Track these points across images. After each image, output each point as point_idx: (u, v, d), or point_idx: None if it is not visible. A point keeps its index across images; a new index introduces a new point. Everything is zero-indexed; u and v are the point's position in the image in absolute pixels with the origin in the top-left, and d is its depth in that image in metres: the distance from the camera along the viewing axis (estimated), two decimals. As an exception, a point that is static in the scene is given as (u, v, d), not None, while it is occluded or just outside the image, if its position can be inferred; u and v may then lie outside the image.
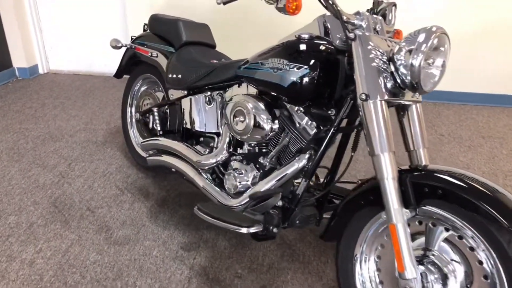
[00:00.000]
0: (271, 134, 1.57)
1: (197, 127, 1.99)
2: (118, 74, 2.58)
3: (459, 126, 3.39)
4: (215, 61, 2.05)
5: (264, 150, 1.72)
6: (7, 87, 4.00)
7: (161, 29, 2.22)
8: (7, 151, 2.73)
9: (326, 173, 1.71)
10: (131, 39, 2.52)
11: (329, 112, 1.50)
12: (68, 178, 2.43)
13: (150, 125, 2.33)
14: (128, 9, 3.94)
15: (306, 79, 1.42)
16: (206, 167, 1.83)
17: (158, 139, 2.10)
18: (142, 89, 2.52)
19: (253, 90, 1.71)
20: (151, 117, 2.33)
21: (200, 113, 1.97)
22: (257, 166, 1.70)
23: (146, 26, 2.51)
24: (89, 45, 4.41)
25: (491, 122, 3.47)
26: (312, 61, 1.42)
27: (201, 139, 2.01)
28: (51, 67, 4.57)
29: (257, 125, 1.57)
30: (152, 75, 2.35)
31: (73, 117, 3.31)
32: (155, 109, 2.14)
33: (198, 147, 1.98)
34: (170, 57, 2.10)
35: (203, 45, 2.20)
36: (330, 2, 1.32)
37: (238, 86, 1.79)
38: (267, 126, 1.56)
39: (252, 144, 1.73)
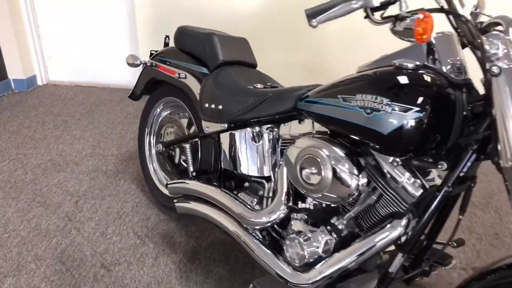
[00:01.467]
0: (356, 193, 1.18)
1: (241, 169, 1.59)
2: (135, 96, 2.17)
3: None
4: (259, 86, 1.66)
5: (338, 207, 1.33)
6: (1, 102, 3.59)
7: (191, 44, 1.82)
8: (3, 185, 2.32)
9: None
10: (151, 54, 2.12)
11: (439, 165, 1.12)
12: (76, 221, 2.03)
13: (176, 160, 1.94)
14: (137, 14, 3.53)
15: (413, 124, 1.04)
16: (258, 226, 1.43)
17: (189, 183, 1.70)
18: (164, 114, 2.12)
19: (318, 128, 1.33)
20: (177, 150, 1.93)
21: (244, 153, 1.57)
22: (329, 228, 1.31)
23: (168, 38, 2.11)
24: (92, 54, 3.99)
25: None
26: (421, 100, 1.04)
27: (246, 184, 1.61)
28: (51, 78, 4.15)
29: (337, 181, 1.18)
30: (178, 99, 1.95)
31: (77, 140, 2.91)
32: (187, 145, 1.74)
33: (243, 196, 1.58)
34: (205, 81, 1.70)
35: (243, 65, 1.81)
36: (466, 23, 0.93)
37: (299, 122, 1.40)
38: (352, 183, 1.17)
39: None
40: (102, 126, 3.14)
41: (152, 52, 2.13)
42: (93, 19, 3.86)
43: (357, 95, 1.13)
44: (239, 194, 1.59)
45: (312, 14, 1.04)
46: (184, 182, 1.72)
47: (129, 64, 1.99)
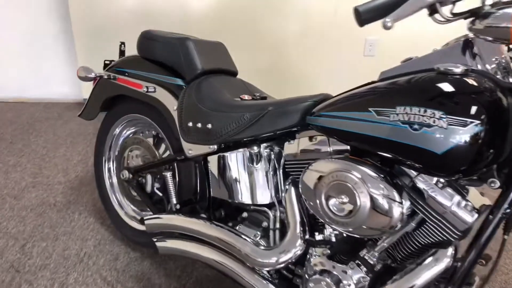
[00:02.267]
0: (400, 224, 0.99)
1: (237, 197, 1.35)
2: (88, 115, 1.84)
3: None
4: (246, 97, 1.44)
5: (365, 238, 1.13)
6: None
7: (160, 52, 1.53)
8: None
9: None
10: (105, 65, 1.80)
11: (491, 184, 0.96)
12: (26, 272, 1.66)
13: (148, 188, 1.64)
14: (72, 15, 3.10)
15: (470, 139, 0.87)
16: (269, 268, 1.20)
17: (173, 217, 1.42)
18: (126, 134, 1.81)
19: (335, 145, 1.13)
20: (148, 177, 1.64)
21: (241, 177, 1.33)
22: (358, 262, 1.11)
23: (123, 45, 1.81)
24: (18, 64, 3.50)
25: None
26: (478, 111, 0.88)
27: (244, 214, 1.37)
28: (-31, 95, 3.59)
29: (377, 210, 0.98)
30: (144, 116, 1.66)
31: (12, 167, 2.47)
32: (168, 173, 1.46)
33: (242, 228, 1.34)
34: (183, 95, 1.43)
35: (224, 73, 1.56)
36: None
37: (310, 140, 1.19)
38: (395, 211, 0.98)
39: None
40: (41, 148, 2.72)
41: (106, 62, 1.81)
42: (16, 21, 3.38)
43: (397, 108, 0.94)
44: (237, 227, 1.35)
45: (367, 12, 0.84)
46: (166, 217, 1.44)
47: (81, 78, 1.66)
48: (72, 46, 3.27)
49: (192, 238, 1.39)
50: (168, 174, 1.45)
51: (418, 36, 3.15)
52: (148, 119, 1.64)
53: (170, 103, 1.48)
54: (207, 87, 1.42)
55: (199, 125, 1.34)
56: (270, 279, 1.25)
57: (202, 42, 1.53)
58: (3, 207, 2.09)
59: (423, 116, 0.90)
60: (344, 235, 1.16)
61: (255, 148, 1.29)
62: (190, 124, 1.37)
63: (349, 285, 1.09)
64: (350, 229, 1.03)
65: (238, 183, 1.34)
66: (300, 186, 1.14)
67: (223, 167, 1.35)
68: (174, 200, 1.46)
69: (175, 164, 1.54)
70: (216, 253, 1.33)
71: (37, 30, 3.37)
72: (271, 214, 1.31)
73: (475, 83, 0.90)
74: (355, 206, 1.00)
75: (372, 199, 0.98)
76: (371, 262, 1.09)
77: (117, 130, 1.81)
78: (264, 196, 1.31)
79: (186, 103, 1.40)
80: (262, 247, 1.23)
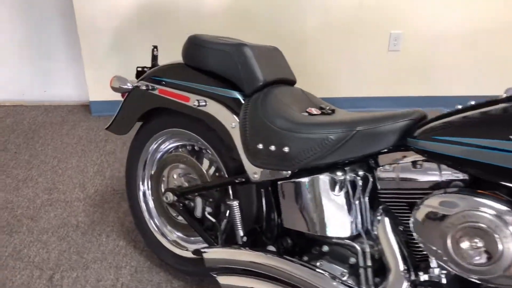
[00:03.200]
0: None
1: (316, 229, 1.18)
2: (118, 128, 1.64)
3: None
4: (314, 111, 1.27)
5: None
6: None
7: (212, 61, 1.34)
8: None
9: None
10: (138, 72, 1.60)
11: None
12: (59, 310, 1.47)
13: (198, 213, 1.46)
14: (77, 9, 2.84)
15: None
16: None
17: (239, 252, 1.24)
18: (165, 149, 1.62)
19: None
20: (198, 200, 1.46)
21: (321, 207, 1.16)
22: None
23: (156, 50, 1.61)
24: (17, 64, 3.23)
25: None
26: None
27: (325, 248, 1.20)
28: (-39, 98, 3.31)
29: (519, 258, 0.83)
30: (190, 132, 1.47)
31: (23, 182, 2.25)
32: (234, 203, 1.27)
33: (325, 265, 1.17)
34: (245, 111, 1.25)
35: (284, 83, 1.38)
36: None
37: (414, 167, 1.02)
38: (544, 260, 0.83)
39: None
40: (51, 159, 2.49)
41: (139, 69, 1.61)
42: (15, 19, 3.10)
43: None
44: (317, 263, 1.18)
45: None
46: (230, 251, 1.26)
47: (115, 89, 1.47)
48: (75, 45, 3.02)
49: (261, 274, 1.23)
50: (235, 203, 1.27)
51: (442, 30, 3.01)
52: (196, 135, 1.45)
53: (227, 119, 1.29)
54: (273, 101, 1.24)
55: (272, 148, 1.16)
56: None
57: (259, 48, 1.34)
58: (20, 230, 1.88)
59: None
60: (455, 274, 1.01)
61: (339, 174, 1.13)
62: (260, 146, 1.18)
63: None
64: (487, 278, 0.88)
65: (317, 212, 1.17)
66: (412, 225, 0.98)
67: (298, 194, 1.18)
68: (241, 232, 1.28)
69: (231, 189, 1.36)
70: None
71: (37, 28, 3.10)
72: (358, 248, 1.15)
73: None
74: (495, 252, 0.85)
75: (516, 244, 0.83)
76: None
77: (154, 146, 1.61)
78: (348, 227, 1.15)
79: (252, 121, 1.22)
80: (359, 291, 1.07)
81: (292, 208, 1.20)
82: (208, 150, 1.46)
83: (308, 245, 1.24)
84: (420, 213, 0.96)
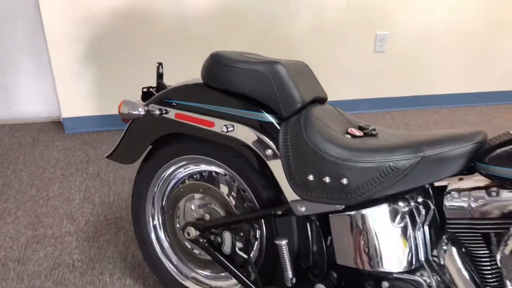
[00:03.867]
0: None
1: (375, 264, 1.07)
2: (122, 156, 1.45)
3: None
4: (357, 132, 1.16)
5: None
6: None
7: (240, 81, 1.19)
8: None
9: None
10: (144, 93, 1.43)
11: None
12: None
13: (227, 249, 1.32)
14: (44, 15, 2.56)
15: None
16: None
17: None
18: (181, 177, 1.45)
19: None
20: (227, 236, 1.31)
21: (380, 240, 1.06)
22: None
23: (161, 67, 1.44)
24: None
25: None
26: None
27: (385, 284, 1.09)
28: None
29: None
30: (214, 160, 1.31)
31: (1, 218, 1.99)
32: (282, 242, 1.13)
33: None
34: (285, 137, 1.11)
35: (318, 102, 1.26)
36: None
37: (489, 195, 0.94)
38: None
39: None
40: (28, 187, 2.23)
41: (144, 90, 1.44)
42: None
43: None
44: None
45: None
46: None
47: (124, 116, 1.29)
48: (43, 55, 2.74)
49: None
50: (284, 243, 1.13)
51: (428, 30, 3.01)
52: (220, 163, 1.30)
53: (261, 146, 1.16)
54: (318, 125, 1.11)
55: (326, 179, 1.04)
56: None
57: (291, 66, 1.22)
58: (7, 276, 1.64)
59: None
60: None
61: (401, 204, 1.03)
62: (311, 177, 1.06)
63: None
64: None
65: (377, 246, 1.06)
66: (499, 259, 0.89)
67: (355, 227, 1.07)
68: (290, 274, 1.14)
69: (273, 222, 1.23)
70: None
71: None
72: (421, 281, 1.06)
73: None
74: None
75: None
76: None
77: (166, 173, 1.45)
78: (411, 259, 1.06)
79: (297, 149, 1.09)
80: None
81: (347, 243, 1.09)
82: (234, 179, 1.32)
83: (362, 282, 1.13)
84: (509, 248, 0.88)
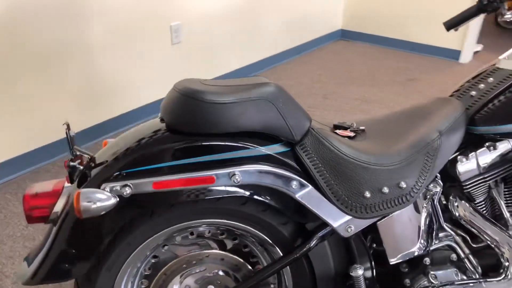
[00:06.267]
0: None
1: (419, 246, 1.11)
2: (59, 273, 0.96)
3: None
4: (352, 134, 1.15)
5: None
6: None
7: (236, 116, 0.93)
8: None
9: None
10: (75, 172, 0.97)
11: None
12: None
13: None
14: None
15: None
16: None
17: None
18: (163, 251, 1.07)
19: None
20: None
21: (421, 222, 1.10)
22: None
23: (68, 128, 1.00)
24: None
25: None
26: None
27: (427, 261, 1.14)
28: None
29: None
30: (220, 220, 1.03)
31: None
32: (359, 272, 0.99)
33: (438, 276, 1.13)
34: (313, 162, 0.98)
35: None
36: None
37: (489, 150, 1.11)
38: None
39: None
40: None
41: (71, 164, 0.98)
42: None
43: None
44: (428, 277, 1.13)
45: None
46: None
47: (93, 212, 0.87)
48: None
49: None
50: (360, 272, 1.01)
51: (214, 14, 3.06)
52: (228, 221, 1.03)
53: (282, 182, 0.98)
54: (336, 138, 1.03)
55: (385, 190, 0.98)
56: None
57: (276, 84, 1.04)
58: None
59: None
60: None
61: (432, 185, 1.10)
62: (368, 194, 0.98)
63: None
64: None
65: (421, 228, 1.11)
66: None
67: (401, 223, 1.08)
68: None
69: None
70: None
71: None
72: (454, 245, 1.17)
73: None
74: None
75: None
76: None
77: (147, 252, 1.05)
78: (443, 231, 1.16)
79: (335, 169, 0.97)
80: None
81: (398, 239, 1.09)
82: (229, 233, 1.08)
83: (410, 268, 1.16)
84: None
